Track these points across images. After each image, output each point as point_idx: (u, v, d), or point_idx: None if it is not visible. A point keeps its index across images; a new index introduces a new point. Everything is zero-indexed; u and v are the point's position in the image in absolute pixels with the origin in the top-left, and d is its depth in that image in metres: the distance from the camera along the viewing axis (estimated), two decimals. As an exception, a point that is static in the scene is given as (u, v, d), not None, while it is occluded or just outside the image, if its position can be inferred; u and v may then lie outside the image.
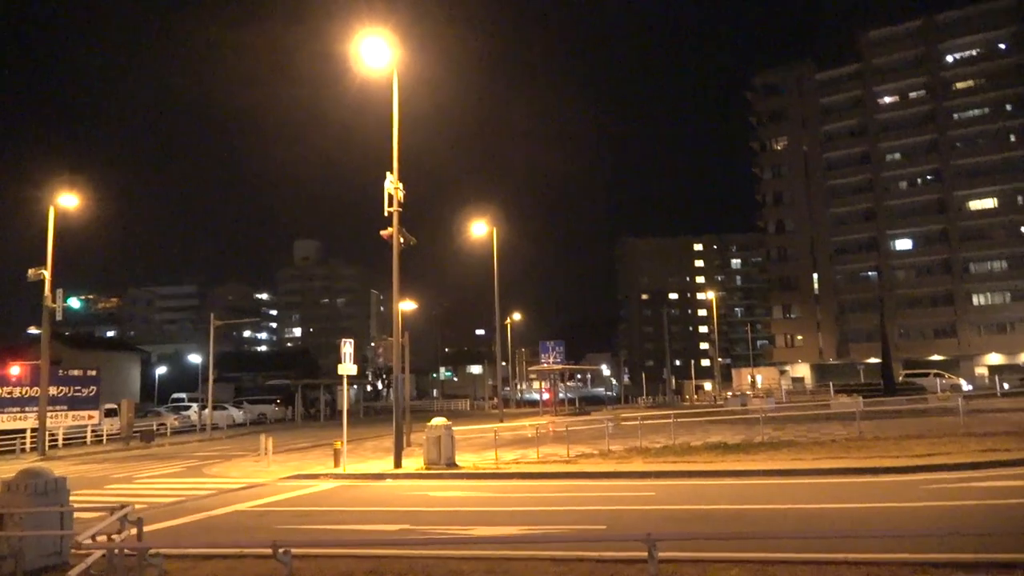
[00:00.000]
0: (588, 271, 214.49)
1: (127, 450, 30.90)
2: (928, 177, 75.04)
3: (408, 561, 7.44)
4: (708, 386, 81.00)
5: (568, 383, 51.51)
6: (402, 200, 20.18)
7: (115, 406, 36.94)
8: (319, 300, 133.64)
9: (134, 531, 7.35)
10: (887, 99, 77.60)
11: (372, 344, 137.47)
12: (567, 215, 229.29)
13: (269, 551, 4.85)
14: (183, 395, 56.73)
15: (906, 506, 10.57)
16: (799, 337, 78.22)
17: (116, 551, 5.85)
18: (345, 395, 19.19)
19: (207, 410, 42.91)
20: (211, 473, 20.72)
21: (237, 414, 46.80)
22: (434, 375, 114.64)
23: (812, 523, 9.77)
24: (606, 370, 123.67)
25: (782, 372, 73.29)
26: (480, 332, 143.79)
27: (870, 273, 76.19)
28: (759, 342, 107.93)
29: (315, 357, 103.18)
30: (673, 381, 67.58)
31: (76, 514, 9.29)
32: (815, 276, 77.22)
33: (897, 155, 76.42)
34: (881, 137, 76.09)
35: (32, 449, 29.75)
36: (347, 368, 18.75)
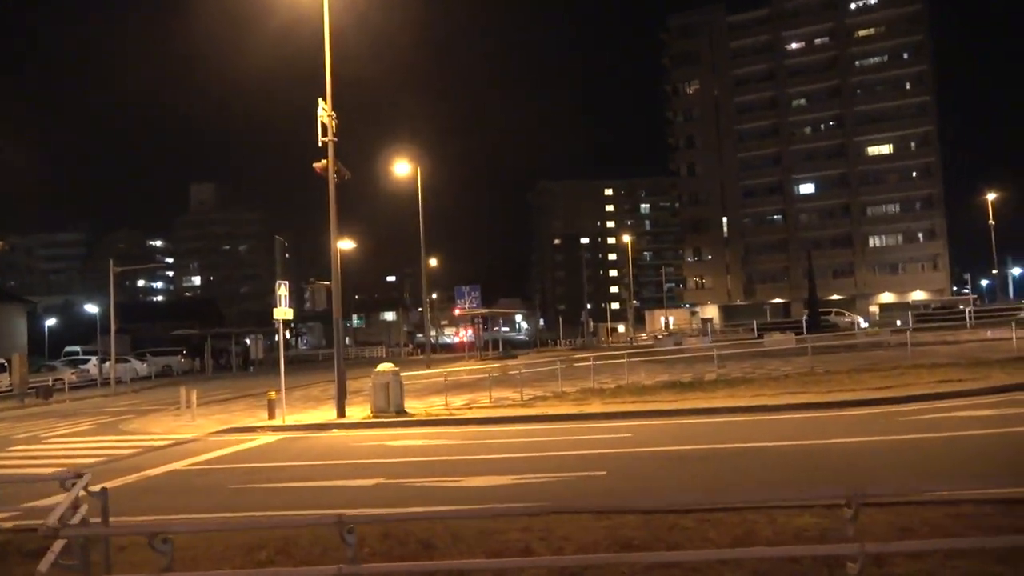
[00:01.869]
0: (499, 216, 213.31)
1: (23, 408, 28.19)
2: (831, 123, 77.64)
3: (426, 521, 6.49)
4: (621, 328, 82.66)
5: (496, 328, 50.92)
6: (335, 130, 18.55)
7: (3, 361, 33.71)
8: (220, 247, 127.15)
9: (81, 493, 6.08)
10: (794, 44, 79.27)
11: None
12: (479, 159, 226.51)
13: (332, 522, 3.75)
14: (77, 348, 52.85)
15: (901, 439, 10.42)
16: (708, 279, 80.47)
17: (93, 536, 4.55)
18: (281, 342, 17.74)
19: (108, 363, 39.97)
20: (129, 430, 18.95)
21: (141, 367, 43.96)
22: (345, 322, 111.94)
23: (821, 459, 9.42)
24: (519, 315, 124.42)
25: (693, 313, 75.45)
26: (391, 278, 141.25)
27: (776, 216, 78.81)
28: (667, 285, 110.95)
29: (218, 306, 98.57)
30: (591, 323, 68.35)
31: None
32: (724, 220, 79.15)
33: (803, 100, 78.56)
34: (788, 82, 77.84)
35: (-91, 410, 26.64)
36: (283, 312, 17.29)
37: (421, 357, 55.01)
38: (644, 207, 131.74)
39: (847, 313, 57.42)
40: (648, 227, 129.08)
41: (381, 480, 10.01)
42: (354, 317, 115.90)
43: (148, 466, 12.83)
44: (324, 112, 18.21)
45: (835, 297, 73.21)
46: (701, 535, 5.48)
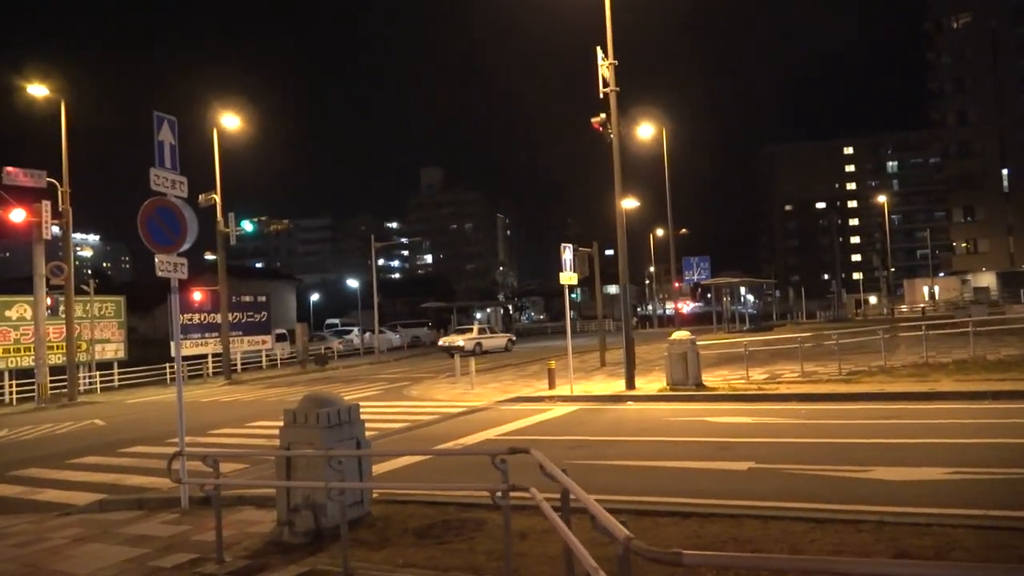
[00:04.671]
0: (717, 185, 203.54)
1: (305, 373, 30.40)
2: None
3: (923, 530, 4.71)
4: (873, 299, 74.52)
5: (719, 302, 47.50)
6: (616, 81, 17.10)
7: (285, 331, 36.84)
8: (447, 227, 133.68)
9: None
10: (1100, -43, 65.74)
11: (501, 268, 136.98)
12: (694, 129, 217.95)
13: None
14: (336, 320, 57.32)
15: None
16: (983, 242, 69.80)
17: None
18: (567, 307, 16.83)
19: (367, 334, 42.59)
20: (413, 396, 19.14)
21: (394, 337, 46.40)
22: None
23: None
24: (743, 287, 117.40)
25: (964, 282, 65.96)
26: (609, 252, 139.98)
27: (1074, 165, 66.38)
28: (922, 251, 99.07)
29: (449, 282, 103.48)
30: (844, 294, 62.16)
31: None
32: (1005, 172, 68.05)
33: (1111, 24, 65.08)
34: (1090, 4, 64.80)
35: (216, 374, 29.71)
36: (569, 277, 16.31)
37: (648, 331, 53.15)
38: (891, 165, 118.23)
39: None
40: (896, 187, 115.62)
41: (752, 464, 8.37)
42: (577, 290, 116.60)
43: (458, 434, 12.32)
44: (604, 63, 16.87)
45: None
46: None
